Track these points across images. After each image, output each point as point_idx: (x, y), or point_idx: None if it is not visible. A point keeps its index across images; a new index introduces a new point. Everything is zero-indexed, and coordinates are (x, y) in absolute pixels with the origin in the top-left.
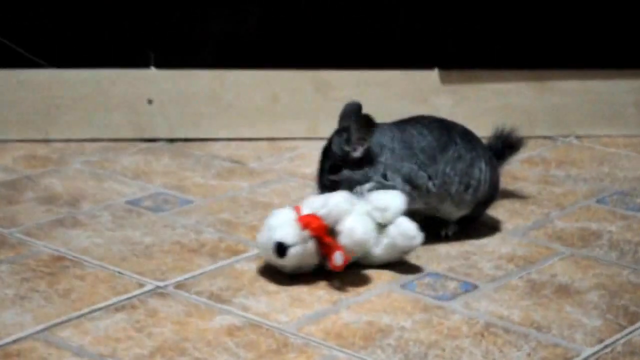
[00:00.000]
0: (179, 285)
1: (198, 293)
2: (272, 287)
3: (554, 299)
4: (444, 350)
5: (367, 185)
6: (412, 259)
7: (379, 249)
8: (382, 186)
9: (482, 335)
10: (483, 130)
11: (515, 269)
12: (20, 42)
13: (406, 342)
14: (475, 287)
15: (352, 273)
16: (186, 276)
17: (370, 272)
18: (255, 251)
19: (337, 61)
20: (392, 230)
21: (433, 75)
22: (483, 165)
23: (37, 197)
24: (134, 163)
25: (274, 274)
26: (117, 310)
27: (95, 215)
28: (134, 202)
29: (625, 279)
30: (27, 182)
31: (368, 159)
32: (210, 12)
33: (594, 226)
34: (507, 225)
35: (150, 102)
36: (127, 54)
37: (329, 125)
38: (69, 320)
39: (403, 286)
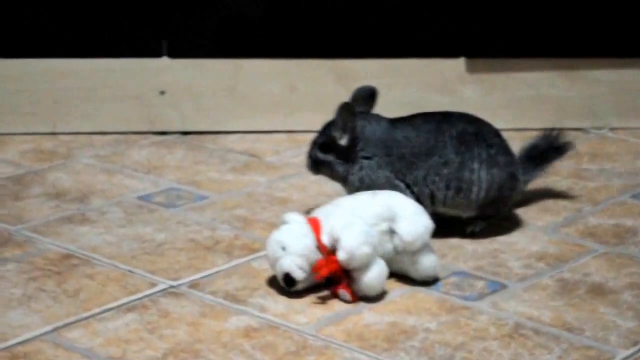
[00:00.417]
0: (192, 285)
1: (213, 293)
2: None
3: (586, 299)
4: (470, 352)
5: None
6: (438, 257)
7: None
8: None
9: (511, 337)
10: (511, 122)
11: (545, 268)
12: (26, 31)
13: (431, 344)
14: (503, 286)
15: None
16: (200, 275)
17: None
18: None
19: (358, 50)
20: (408, 265)
21: (459, 64)
22: (476, 166)
23: (45, 192)
24: (145, 157)
25: None
26: (128, 310)
27: (105, 212)
28: (145, 198)
29: None
30: (34, 177)
31: (352, 154)
32: None
33: (628, 222)
34: (538, 221)
35: (162, 93)
36: (139, 43)
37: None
38: (78, 321)
39: (428, 285)
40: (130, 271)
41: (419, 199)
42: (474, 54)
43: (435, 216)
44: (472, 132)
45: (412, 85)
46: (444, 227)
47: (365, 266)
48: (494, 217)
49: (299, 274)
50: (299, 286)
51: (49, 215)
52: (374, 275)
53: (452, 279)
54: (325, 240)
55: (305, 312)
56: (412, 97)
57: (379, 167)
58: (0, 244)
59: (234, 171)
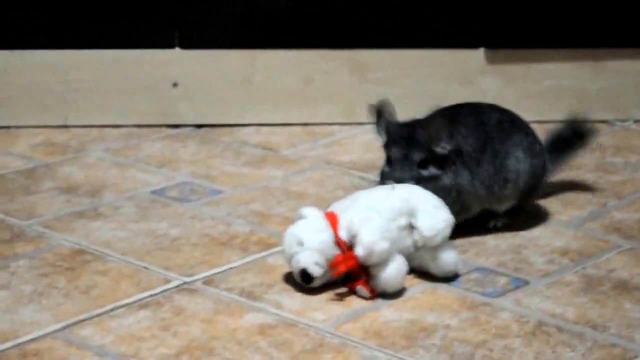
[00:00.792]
0: (207, 281)
1: (228, 289)
2: None
3: (611, 296)
4: (492, 350)
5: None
6: (459, 253)
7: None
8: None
9: (534, 335)
10: (532, 114)
11: (569, 264)
12: (37, 22)
13: (451, 342)
14: (526, 283)
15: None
16: (215, 271)
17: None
18: None
19: (375, 40)
20: (429, 260)
21: (479, 54)
22: (521, 154)
23: (56, 187)
24: (158, 150)
25: None
26: (141, 307)
27: (117, 206)
28: (159, 192)
29: None
30: (45, 171)
31: (448, 160)
32: None
33: None
34: (561, 216)
35: (175, 85)
36: (151, 34)
37: (367, 109)
38: (90, 318)
39: (449, 282)
40: (143, 267)
41: (483, 197)
42: (494, 45)
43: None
44: (508, 120)
45: (430, 76)
46: (465, 222)
47: (384, 262)
48: (522, 210)
49: (315, 270)
50: (316, 283)
51: (61, 210)
52: (393, 272)
53: (474, 275)
54: (343, 235)
55: (323, 308)
56: (431, 88)
57: (463, 169)
58: (11, 240)
59: (249, 165)
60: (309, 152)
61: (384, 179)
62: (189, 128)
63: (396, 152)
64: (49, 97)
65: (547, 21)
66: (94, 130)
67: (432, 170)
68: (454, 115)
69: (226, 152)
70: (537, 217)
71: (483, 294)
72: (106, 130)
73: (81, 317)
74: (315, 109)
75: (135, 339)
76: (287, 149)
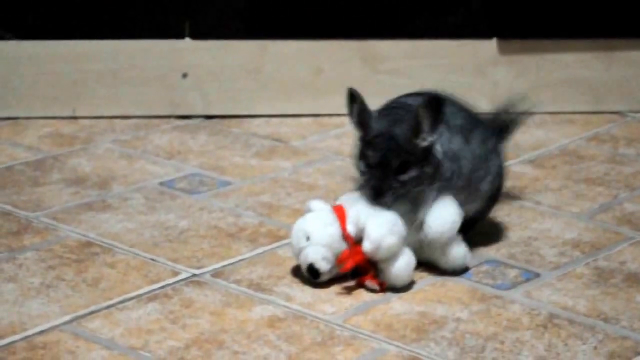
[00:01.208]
0: (216, 273)
1: (237, 281)
2: None
3: (623, 288)
4: (502, 343)
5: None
6: (469, 245)
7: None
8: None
9: (545, 327)
10: (545, 105)
11: (580, 256)
12: (46, 12)
13: (462, 335)
14: (537, 275)
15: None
16: (224, 263)
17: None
18: None
19: (386, 30)
20: (439, 256)
21: (491, 45)
22: (500, 158)
23: (64, 178)
24: (167, 142)
25: None
26: (149, 300)
27: (126, 198)
28: (167, 184)
29: None
30: (54, 163)
31: (431, 150)
32: None
33: None
34: (572, 208)
35: (185, 75)
36: (161, 24)
37: (378, 100)
38: (98, 310)
39: (459, 274)
40: (152, 259)
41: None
42: (506, 35)
43: None
44: (473, 115)
45: (442, 67)
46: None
47: (392, 257)
48: (480, 221)
49: (323, 265)
50: (324, 277)
51: (69, 201)
52: (402, 266)
53: (484, 268)
54: (351, 229)
55: (332, 301)
56: (443, 79)
57: (450, 139)
58: (19, 232)
59: (258, 156)
60: (319, 143)
61: (362, 186)
62: (199, 119)
63: (373, 157)
64: (57, 88)
65: (560, 12)
66: (103, 122)
67: (413, 172)
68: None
69: (236, 144)
70: (548, 209)
71: (494, 287)
72: (115, 121)
73: (89, 309)
74: (325, 100)
75: (143, 332)
76: (297, 140)
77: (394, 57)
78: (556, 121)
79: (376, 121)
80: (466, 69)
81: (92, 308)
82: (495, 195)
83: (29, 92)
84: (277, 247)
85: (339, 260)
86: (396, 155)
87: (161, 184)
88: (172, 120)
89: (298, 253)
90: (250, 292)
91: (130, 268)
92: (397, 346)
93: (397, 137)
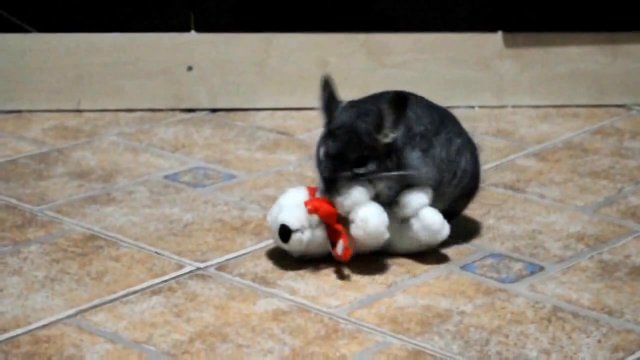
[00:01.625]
0: (220, 267)
1: (241, 275)
2: (322, 268)
3: (627, 281)
4: (507, 336)
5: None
6: (473, 238)
7: (403, 241)
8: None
9: (549, 321)
10: (550, 99)
11: (585, 249)
12: (50, 5)
13: (466, 328)
14: (541, 268)
15: (407, 254)
16: (228, 257)
17: (427, 253)
18: None
19: (392, 23)
20: (414, 223)
21: (497, 38)
22: (469, 155)
23: (69, 171)
24: (172, 135)
25: (324, 255)
26: (153, 293)
27: (130, 191)
28: (172, 177)
29: None
30: (58, 156)
31: (393, 147)
32: None
33: None
34: (577, 201)
35: (190, 68)
36: (166, 17)
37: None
38: (103, 304)
39: (463, 268)
40: (156, 253)
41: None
42: (512, 28)
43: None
44: (455, 117)
45: (447, 60)
46: (480, 208)
47: (359, 203)
48: (457, 216)
49: (293, 223)
50: (294, 240)
51: (73, 195)
52: (370, 212)
53: (489, 261)
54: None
55: (337, 294)
56: (448, 72)
57: (411, 148)
58: (23, 225)
59: (263, 149)
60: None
61: (319, 173)
62: (204, 112)
63: (332, 147)
64: (62, 81)
65: (566, 5)
66: (107, 115)
67: (371, 166)
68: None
69: (240, 137)
70: (553, 203)
71: (498, 280)
72: (120, 114)
73: (93, 303)
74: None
75: (147, 325)
76: (302, 133)
77: (399, 50)
78: (561, 114)
79: (342, 112)
80: (471, 62)
81: (96, 301)
82: (467, 192)
83: (34, 85)
84: None
85: (309, 208)
86: (355, 148)
87: (166, 177)
88: (177, 113)
89: (272, 227)
90: (255, 285)
91: (135, 261)
92: (401, 339)
93: (359, 130)
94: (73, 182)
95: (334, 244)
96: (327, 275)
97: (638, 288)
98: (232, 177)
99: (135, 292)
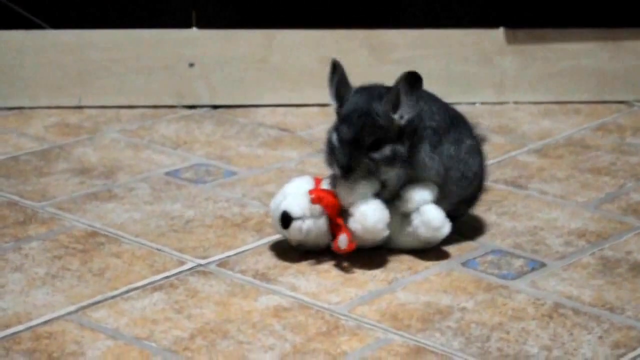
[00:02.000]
0: (221, 263)
1: (242, 271)
2: (323, 265)
3: (628, 278)
4: (508, 333)
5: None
6: (475, 234)
7: (402, 237)
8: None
9: (550, 317)
10: (552, 95)
11: (586, 246)
12: (51, 1)
13: (467, 325)
14: (542, 265)
15: (408, 250)
16: (229, 253)
17: (428, 249)
18: None
19: (393, 20)
20: (415, 218)
21: (498, 34)
22: (478, 158)
23: (70, 168)
24: (173, 131)
25: (324, 251)
26: (155, 289)
27: (132, 188)
28: (173, 174)
29: None
30: (59, 152)
31: (410, 129)
32: None
33: None
34: (578, 198)
35: (191, 65)
36: (167, 14)
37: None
38: (104, 300)
39: (464, 264)
40: (157, 249)
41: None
42: (513, 24)
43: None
44: (462, 117)
45: (449, 56)
46: (481, 204)
47: (361, 200)
48: (457, 219)
49: (295, 210)
50: (294, 228)
51: (74, 191)
52: (370, 207)
53: (490, 257)
54: (325, 184)
55: (338, 291)
56: (450, 68)
57: (420, 142)
58: (24, 221)
59: (264, 146)
60: (325, 133)
61: (332, 163)
62: (205, 109)
63: (346, 132)
64: (63, 77)
65: (567, 1)
66: (109, 111)
67: (387, 150)
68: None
69: (242, 133)
70: (554, 199)
71: (499, 276)
72: (121, 111)
73: (95, 299)
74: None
75: (149, 322)
76: (304, 129)
77: (401, 47)
78: (562, 111)
79: (354, 95)
80: (473, 58)
81: (98, 298)
82: (472, 197)
83: (35, 81)
84: (283, 237)
85: (313, 198)
86: (370, 132)
87: (167, 173)
88: (178, 110)
89: (274, 213)
90: (256, 282)
91: (136, 258)
92: (402, 336)
93: (373, 112)
94: (74, 178)
95: (334, 236)
96: (328, 272)
97: (639, 285)
98: (233, 173)
99: (136, 288)
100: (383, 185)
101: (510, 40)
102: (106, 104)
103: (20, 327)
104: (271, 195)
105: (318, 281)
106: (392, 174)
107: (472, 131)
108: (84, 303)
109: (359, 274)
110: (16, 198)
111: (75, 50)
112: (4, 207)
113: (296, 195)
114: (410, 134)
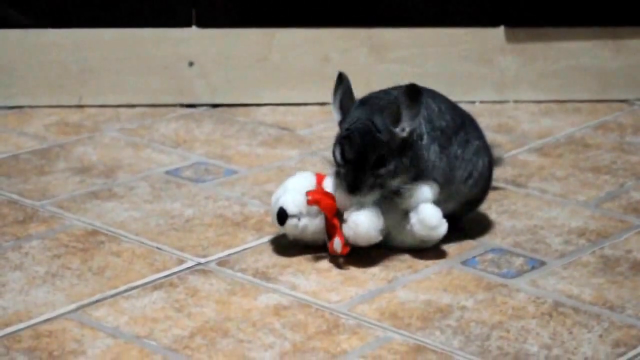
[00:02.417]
0: (221, 262)
1: (242, 270)
2: (323, 264)
3: (629, 276)
4: (508, 331)
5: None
6: (475, 233)
7: (400, 235)
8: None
9: (550, 316)
10: (552, 94)
11: (586, 244)
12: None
13: (467, 323)
14: (542, 263)
15: (407, 249)
16: (229, 252)
17: (427, 248)
18: None
19: (393, 19)
20: (412, 216)
21: (499, 33)
22: (486, 160)
23: (70, 167)
24: (173, 130)
25: (324, 249)
26: (155, 288)
27: (132, 187)
28: (173, 173)
29: None
30: (59, 151)
31: (410, 141)
32: None
33: None
34: (578, 196)
35: (191, 64)
36: (167, 12)
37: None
38: (104, 299)
39: (464, 263)
40: (157, 248)
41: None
42: (514, 23)
43: None
44: (475, 121)
45: (450, 55)
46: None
47: (357, 207)
48: (460, 220)
49: (292, 208)
50: (290, 225)
51: (75, 190)
52: (364, 214)
53: (489, 256)
54: (327, 186)
55: (337, 289)
56: (450, 67)
57: (431, 144)
58: (25, 220)
59: (264, 145)
60: (325, 132)
61: (339, 179)
62: (205, 107)
63: (349, 152)
64: (64, 76)
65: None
66: (109, 110)
67: (391, 165)
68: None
69: (242, 132)
70: (554, 198)
71: (499, 275)
72: (121, 109)
73: (95, 298)
74: (332, 88)
75: (149, 320)
76: (303, 128)
77: (401, 46)
78: (563, 109)
79: (356, 109)
80: (473, 57)
81: (98, 296)
82: (478, 198)
83: (35, 80)
84: (283, 235)
85: (308, 193)
86: (373, 149)
87: (167, 172)
88: (178, 108)
89: (272, 208)
90: (256, 280)
91: (136, 256)
92: (402, 334)
93: (374, 130)
94: (74, 177)
95: (330, 236)
96: (328, 271)
97: (639, 283)
98: (233, 172)
99: (136, 287)
100: (395, 193)
101: (511, 39)
102: (106, 102)
103: (21, 326)
104: (271, 194)
105: (318, 280)
106: (395, 182)
107: (480, 132)
108: (84, 301)
109: (359, 273)
110: (16, 197)
111: (75, 50)
112: (4, 206)
113: (295, 192)
114: (412, 143)
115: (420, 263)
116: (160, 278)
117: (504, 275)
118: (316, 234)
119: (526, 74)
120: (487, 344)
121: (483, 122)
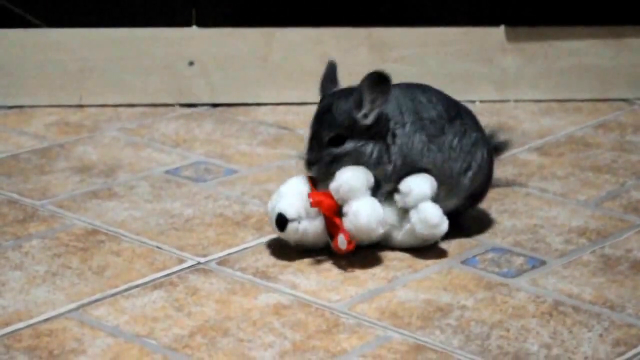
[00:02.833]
0: (221, 261)
1: (242, 269)
2: (323, 263)
3: (629, 276)
4: (508, 331)
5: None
6: (475, 232)
7: (400, 234)
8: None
9: (550, 315)
10: (553, 93)
11: (587, 244)
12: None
13: (467, 322)
14: (542, 262)
15: (407, 248)
16: (229, 251)
17: (427, 247)
18: None
19: (394, 18)
20: (413, 215)
21: (499, 32)
22: (485, 153)
23: (70, 166)
24: (173, 130)
25: (325, 249)
26: (155, 287)
27: (132, 186)
28: (173, 172)
29: None
30: (60, 151)
31: (377, 127)
32: None
33: None
34: (579, 195)
35: (191, 63)
36: (167, 12)
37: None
38: (104, 298)
39: (464, 262)
40: (157, 247)
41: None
42: (514, 22)
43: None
44: (474, 115)
45: (450, 54)
46: (481, 202)
47: (354, 197)
48: (462, 214)
49: (290, 212)
50: (291, 229)
51: (75, 189)
52: (363, 205)
53: (490, 255)
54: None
55: (337, 289)
56: (451, 66)
57: (415, 132)
58: (25, 220)
59: (264, 144)
60: None
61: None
62: (205, 107)
63: (311, 128)
64: (64, 76)
65: None
66: (109, 110)
67: (348, 146)
68: (418, 85)
69: (242, 132)
70: (555, 197)
71: (499, 274)
72: (121, 109)
73: (95, 297)
74: None
75: (149, 319)
76: (304, 128)
77: (401, 45)
78: (563, 109)
79: (329, 95)
80: (474, 56)
81: (98, 296)
82: (479, 191)
83: (35, 80)
84: None
85: (309, 195)
86: (328, 128)
87: (167, 172)
88: (178, 108)
89: (270, 214)
90: (256, 280)
91: (136, 256)
92: (402, 334)
93: (334, 110)
94: (74, 177)
95: (332, 236)
96: (328, 270)
97: (639, 282)
98: (233, 171)
99: (136, 286)
100: (377, 182)
101: (511, 38)
102: (106, 102)
103: (21, 325)
104: (271, 193)
105: (318, 279)
106: (386, 170)
107: (478, 125)
108: (84, 301)
109: (359, 272)
110: (16, 196)
111: (75, 49)
112: (4, 205)
113: (291, 196)
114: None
115: (420, 262)
116: (160, 277)
117: (504, 275)
118: (317, 236)
119: (526, 73)
120: (487, 343)
121: (483, 121)
